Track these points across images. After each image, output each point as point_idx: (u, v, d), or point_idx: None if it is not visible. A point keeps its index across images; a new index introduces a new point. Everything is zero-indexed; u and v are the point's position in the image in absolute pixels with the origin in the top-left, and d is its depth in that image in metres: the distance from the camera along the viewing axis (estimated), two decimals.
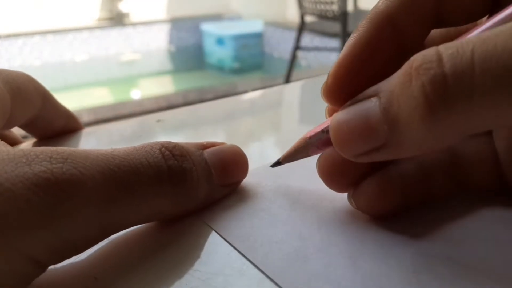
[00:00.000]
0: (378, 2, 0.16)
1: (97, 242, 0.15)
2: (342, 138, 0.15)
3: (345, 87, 0.16)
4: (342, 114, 0.15)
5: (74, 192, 0.13)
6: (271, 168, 0.21)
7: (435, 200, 0.17)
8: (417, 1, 0.15)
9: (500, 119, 0.12)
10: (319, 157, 0.17)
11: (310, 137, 0.17)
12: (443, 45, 0.12)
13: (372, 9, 0.16)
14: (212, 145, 0.19)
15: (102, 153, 0.15)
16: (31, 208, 0.12)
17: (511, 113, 0.11)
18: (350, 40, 0.16)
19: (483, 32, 0.12)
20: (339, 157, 0.16)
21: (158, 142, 0.17)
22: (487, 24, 0.13)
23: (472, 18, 0.16)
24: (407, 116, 0.13)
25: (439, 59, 0.12)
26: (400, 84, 0.13)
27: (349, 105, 0.15)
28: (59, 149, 0.14)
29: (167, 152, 0.16)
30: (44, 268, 0.14)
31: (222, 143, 0.19)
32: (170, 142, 0.17)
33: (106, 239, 0.16)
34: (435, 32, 0.17)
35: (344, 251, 0.15)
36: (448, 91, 0.12)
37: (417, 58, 0.13)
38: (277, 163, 0.19)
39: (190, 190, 0.17)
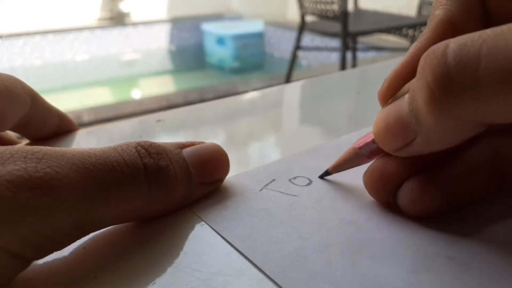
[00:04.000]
0: (435, 11, 0.16)
1: (76, 239, 0.15)
2: (381, 135, 0.16)
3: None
4: (381, 113, 0.16)
5: (48, 189, 0.13)
6: (271, 167, 0.21)
7: (478, 199, 0.17)
8: (470, 5, 0.16)
9: (509, 112, 0.12)
10: (365, 172, 0.17)
11: (360, 148, 0.18)
12: (458, 37, 0.12)
13: (430, 18, 0.16)
14: (192, 144, 0.19)
15: (79, 152, 0.15)
16: (4, 203, 0.13)
17: None
18: (411, 48, 0.16)
19: (500, 27, 0.12)
20: (383, 171, 0.17)
21: (135, 141, 0.17)
22: None
23: None
24: (422, 109, 0.13)
25: (445, 50, 0.12)
26: (417, 79, 0.13)
27: (390, 103, 0.16)
28: (35, 148, 0.14)
29: (143, 151, 0.16)
30: (25, 263, 0.14)
31: (202, 142, 0.19)
32: (146, 141, 0.17)
33: (106, 239, 0.17)
34: None
35: (344, 251, 0.15)
36: (451, 82, 0.12)
37: (427, 51, 0.13)
38: (326, 173, 0.20)
39: (167, 188, 0.17)
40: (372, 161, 0.18)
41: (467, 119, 0.13)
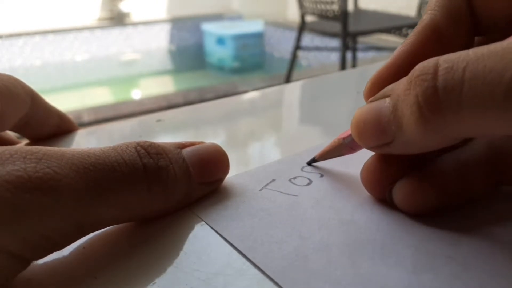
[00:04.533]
0: (423, 16, 0.17)
1: (75, 239, 0.15)
2: (359, 132, 0.16)
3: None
4: (361, 110, 0.16)
5: (47, 189, 0.13)
6: (271, 167, 0.21)
7: (474, 196, 0.17)
8: (457, 11, 0.16)
9: (488, 129, 0.13)
10: (362, 168, 0.18)
11: (344, 138, 0.19)
12: (444, 57, 0.13)
13: (418, 23, 0.17)
14: (192, 144, 0.19)
15: (78, 152, 0.15)
16: (4, 204, 0.12)
17: (495, 124, 0.12)
18: (396, 52, 0.17)
19: (482, 48, 0.13)
20: (379, 168, 0.17)
21: (135, 141, 0.17)
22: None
23: (506, 23, 0.16)
24: (407, 120, 0.14)
25: (435, 71, 0.13)
26: (404, 91, 0.14)
27: (370, 101, 0.16)
28: (34, 148, 0.14)
29: (142, 151, 0.16)
30: (25, 263, 0.14)
31: (202, 142, 0.19)
32: (146, 141, 0.17)
33: (106, 239, 0.17)
34: (478, 40, 0.18)
35: (344, 251, 0.15)
36: (438, 103, 0.13)
37: (418, 68, 0.14)
38: (313, 161, 0.21)
39: (167, 188, 0.17)
40: (356, 153, 0.19)
41: (450, 134, 0.14)
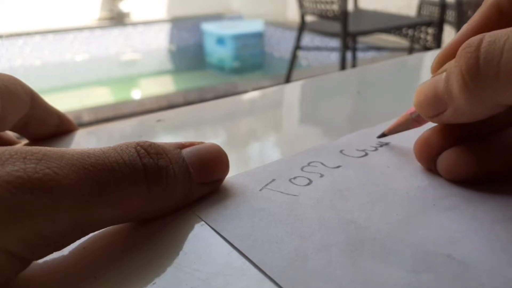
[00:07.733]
0: None
1: (75, 240, 0.15)
2: (419, 103, 0.19)
3: None
4: (423, 84, 0.19)
5: (47, 190, 0.13)
6: (271, 167, 0.21)
7: None
8: None
9: None
10: (416, 142, 0.20)
11: (411, 113, 0.21)
12: (490, 33, 0.15)
13: (484, 2, 0.19)
14: (191, 144, 0.19)
15: (78, 152, 0.15)
16: (3, 204, 0.12)
17: None
18: (462, 29, 0.19)
19: None
20: (428, 141, 0.20)
21: (135, 141, 0.17)
22: None
23: None
24: (454, 89, 0.16)
25: (479, 44, 0.15)
26: (453, 63, 0.16)
27: (432, 77, 0.18)
28: (34, 149, 0.14)
29: (142, 151, 0.16)
30: (25, 263, 0.14)
31: (202, 143, 0.19)
32: (146, 141, 0.17)
33: (106, 239, 0.17)
34: None
35: (344, 251, 0.15)
36: (478, 71, 0.15)
37: (465, 42, 0.16)
38: (383, 135, 0.23)
39: (167, 188, 0.17)
40: (421, 126, 0.21)
41: (490, 101, 0.15)
